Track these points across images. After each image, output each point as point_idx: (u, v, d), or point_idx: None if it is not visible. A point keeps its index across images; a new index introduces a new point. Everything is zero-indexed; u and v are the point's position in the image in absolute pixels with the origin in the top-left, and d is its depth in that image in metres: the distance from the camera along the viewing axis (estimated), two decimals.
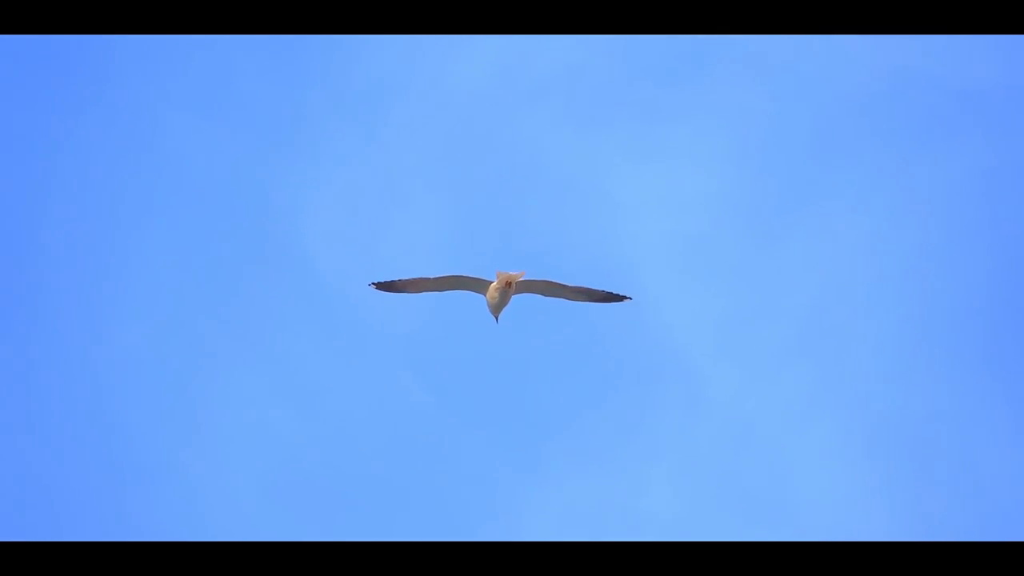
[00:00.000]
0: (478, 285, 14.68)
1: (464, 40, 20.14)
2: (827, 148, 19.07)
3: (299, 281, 19.57)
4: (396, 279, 14.69)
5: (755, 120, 19.45)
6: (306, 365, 19.01)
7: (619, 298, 14.68)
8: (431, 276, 14.65)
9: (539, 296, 14.74)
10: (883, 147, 19.07)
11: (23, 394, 17.29)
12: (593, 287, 14.62)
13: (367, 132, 20.18)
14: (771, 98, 18.53)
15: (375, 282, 14.77)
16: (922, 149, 19.16)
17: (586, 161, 19.13)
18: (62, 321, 19.16)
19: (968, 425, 17.96)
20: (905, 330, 18.76)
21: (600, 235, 19.15)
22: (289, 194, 20.05)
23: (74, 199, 19.97)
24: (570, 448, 18.32)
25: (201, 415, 17.89)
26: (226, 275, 19.75)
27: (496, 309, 14.73)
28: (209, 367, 18.90)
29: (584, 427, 18.62)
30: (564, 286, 14.67)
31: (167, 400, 17.96)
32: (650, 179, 18.34)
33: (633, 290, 18.94)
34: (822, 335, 18.85)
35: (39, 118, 20.38)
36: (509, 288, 14.56)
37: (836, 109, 19.10)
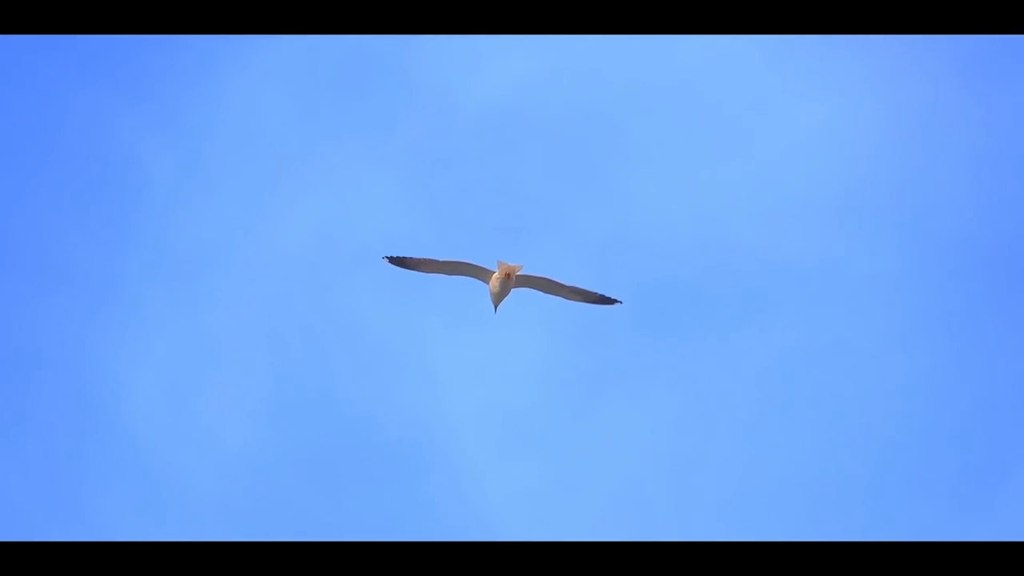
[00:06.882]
0: (482, 273, 15.33)
1: (288, 205, 20.95)
2: (645, 320, 20.52)
3: (114, 444, 19.47)
4: (409, 256, 15.16)
5: None
6: (121, 528, 18.79)
7: (610, 301, 15.54)
8: (440, 259, 15.21)
9: (538, 292, 15.49)
10: (700, 320, 20.51)
11: None
12: (588, 288, 15.48)
13: (188, 297, 20.50)
14: (589, 269, 20.09)
15: (389, 256, 15.17)
16: (739, 322, 20.66)
17: (405, 329, 19.92)
18: None
19: None
20: (720, 505, 19.68)
21: (418, 404, 19.76)
22: (107, 357, 20.04)
23: None
24: None
25: None
26: (40, 436, 19.48)
27: (497, 299, 15.37)
28: (24, 532, 18.47)
29: None
30: (562, 285, 15.49)
31: None
32: (468, 349, 19.36)
33: (450, 461, 19.53)
34: (636, 507, 19.66)
35: None
36: (509, 280, 15.24)
37: (653, 279, 20.57)
